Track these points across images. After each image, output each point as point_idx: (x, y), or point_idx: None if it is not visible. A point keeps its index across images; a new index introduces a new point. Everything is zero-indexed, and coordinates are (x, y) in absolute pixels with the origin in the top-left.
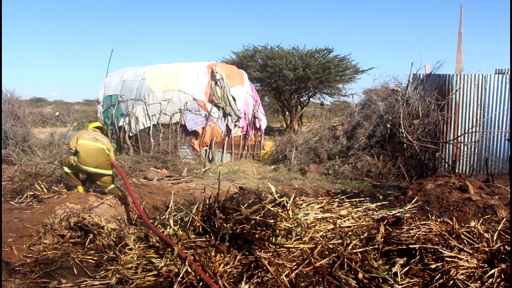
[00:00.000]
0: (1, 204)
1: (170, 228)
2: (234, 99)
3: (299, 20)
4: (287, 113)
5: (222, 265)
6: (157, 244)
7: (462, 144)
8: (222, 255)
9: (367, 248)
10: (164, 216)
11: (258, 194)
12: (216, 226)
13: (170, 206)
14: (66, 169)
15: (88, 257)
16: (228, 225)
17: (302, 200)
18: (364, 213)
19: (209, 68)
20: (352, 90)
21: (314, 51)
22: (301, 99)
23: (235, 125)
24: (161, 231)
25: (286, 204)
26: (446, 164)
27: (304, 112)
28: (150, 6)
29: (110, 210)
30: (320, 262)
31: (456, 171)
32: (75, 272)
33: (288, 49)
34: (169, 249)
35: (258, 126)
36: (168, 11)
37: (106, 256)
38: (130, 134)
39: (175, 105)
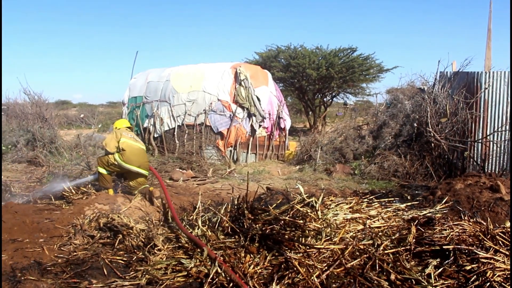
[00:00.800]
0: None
1: (198, 229)
2: (258, 99)
3: (322, 19)
4: (310, 113)
5: (252, 266)
6: (186, 245)
7: (491, 143)
8: (251, 255)
9: (399, 249)
10: (192, 216)
11: (286, 194)
12: (245, 226)
13: (197, 206)
14: (101, 170)
15: (118, 257)
16: (257, 225)
17: (331, 200)
18: (394, 214)
19: (233, 68)
20: (376, 90)
21: (337, 50)
22: (325, 99)
23: (260, 126)
24: (189, 231)
25: (315, 205)
26: (475, 164)
27: (327, 112)
28: (174, 8)
29: (138, 211)
30: (351, 263)
31: (486, 170)
32: (105, 273)
33: (311, 49)
34: (198, 250)
35: (282, 127)
36: (192, 13)
37: (135, 257)
38: (155, 135)
39: (199, 106)
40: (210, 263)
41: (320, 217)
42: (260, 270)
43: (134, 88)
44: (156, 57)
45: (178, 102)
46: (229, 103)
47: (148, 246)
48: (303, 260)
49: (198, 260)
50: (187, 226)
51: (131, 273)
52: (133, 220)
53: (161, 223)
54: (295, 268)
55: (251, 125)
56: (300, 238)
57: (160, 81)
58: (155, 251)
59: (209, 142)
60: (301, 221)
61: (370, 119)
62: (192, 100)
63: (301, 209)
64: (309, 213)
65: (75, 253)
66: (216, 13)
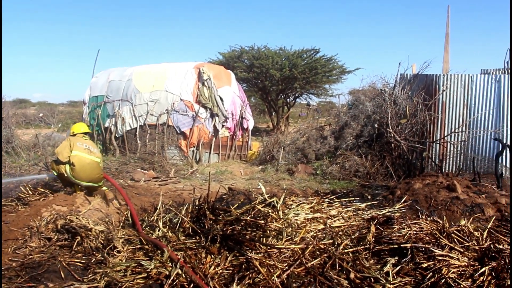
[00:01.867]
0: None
1: (159, 230)
2: (221, 99)
3: (286, 21)
4: (273, 113)
5: (213, 267)
6: (147, 246)
7: (449, 144)
8: (212, 256)
9: (358, 248)
10: (153, 217)
11: (248, 194)
12: (206, 227)
13: (158, 207)
14: (56, 173)
15: (76, 260)
16: (218, 226)
17: (292, 200)
18: (354, 213)
19: (197, 68)
20: (339, 91)
21: (300, 52)
22: (288, 99)
23: (223, 126)
24: (150, 233)
25: (276, 205)
26: (433, 164)
27: (290, 113)
28: (136, 7)
29: (98, 213)
30: (312, 263)
31: (443, 170)
32: (63, 276)
33: (275, 50)
34: (159, 251)
35: (245, 127)
36: (154, 12)
37: (94, 259)
38: (117, 135)
39: (162, 106)
40: (170, 264)
41: (281, 217)
42: (221, 271)
43: (95, 87)
44: (118, 56)
45: (140, 102)
46: (192, 103)
47: (108, 248)
48: (264, 260)
49: (158, 262)
50: (148, 227)
51: (90, 275)
52: (92, 222)
53: (121, 224)
54: (256, 268)
55: (214, 125)
56: (261, 238)
57: (122, 81)
58: (115, 253)
59: (172, 142)
60: (262, 221)
61: (332, 120)
62: (154, 100)
63: (263, 209)
64: (270, 213)
65: (30, 256)
66: (179, 13)
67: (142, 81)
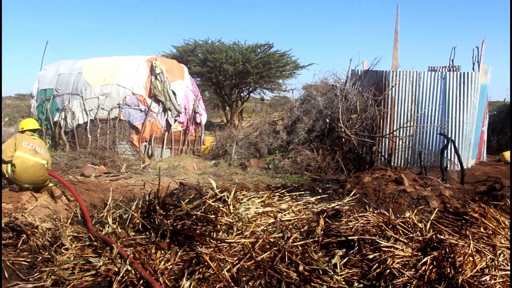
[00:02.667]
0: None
1: (109, 226)
2: (174, 93)
3: (240, 15)
4: (227, 108)
5: (162, 262)
6: (96, 243)
7: (397, 138)
8: (162, 252)
9: (307, 240)
10: (103, 214)
11: (199, 189)
12: (156, 222)
13: (108, 203)
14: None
15: (21, 259)
16: (169, 221)
17: (243, 194)
18: (304, 207)
19: (149, 62)
20: (292, 86)
21: (254, 46)
22: (242, 94)
23: (175, 120)
24: (99, 229)
25: (227, 199)
26: (383, 158)
27: (244, 107)
28: None
29: (46, 209)
30: (262, 256)
31: (392, 164)
32: (6, 276)
33: (229, 44)
34: (108, 248)
35: (198, 121)
36: (105, 3)
37: (40, 257)
38: (66, 130)
39: (113, 100)
40: (120, 260)
41: (232, 211)
42: (171, 266)
43: (44, 80)
44: (68, 48)
45: (91, 96)
46: (144, 97)
47: (55, 246)
48: (214, 254)
49: (107, 258)
50: (98, 223)
51: (36, 274)
52: (38, 219)
53: (70, 221)
54: (206, 263)
55: (167, 120)
56: (212, 233)
57: (72, 74)
58: (62, 250)
59: (123, 137)
60: (213, 216)
61: (285, 115)
62: (105, 94)
63: (213, 204)
64: (221, 208)
65: None
66: (132, 4)
67: (93, 74)
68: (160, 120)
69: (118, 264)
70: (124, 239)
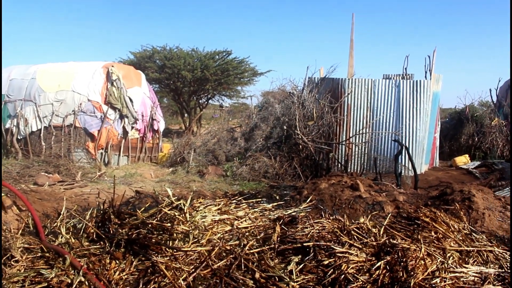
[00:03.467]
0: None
1: (62, 237)
2: (131, 100)
3: (200, 22)
4: (186, 115)
5: (117, 272)
6: (48, 254)
7: (353, 145)
8: (117, 261)
9: (264, 248)
10: (56, 223)
11: (155, 197)
12: (111, 232)
13: (62, 213)
14: None
15: None
16: (124, 230)
17: (200, 202)
18: (261, 214)
19: (105, 68)
20: (251, 92)
21: (213, 53)
22: (200, 101)
23: (132, 127)
24: (52, 240)
25: (183, 207)
26: (339, 164)
27: (203, 114)
28: (40, 1)
29: None
30: (218, 264)
31: (348, 170)
32: None
33: (187, 51)
34: (61, 259)
35: (156, 128)
36: (60, 7)
37: None
38: (19, 137)
39: (68, 106)
40: (73, 271)
41: (188, 219)
42: (126, 276)
43: None
44: (20, 53)
45: (44, 102)
46: (100, 103)
47: (4, 258)
48: (170, 263)
49: (60, 270)
50: (50, 234)
51: None
52: None
53: (21, 232)
54: (161, 272)
55: (123, 127)
56: (168, 242)
57: (24, 79)
58: (12, 262)
59: (79, 144)
60: (169, 224)
61: (243, 122)
62: (60, 100)
63: (169, 212)
64: (177, 216)
65: None
66: (89, 9)
67: (47, 80)
68: (117, 127)
69: (71, 275)
70: (77, 250)
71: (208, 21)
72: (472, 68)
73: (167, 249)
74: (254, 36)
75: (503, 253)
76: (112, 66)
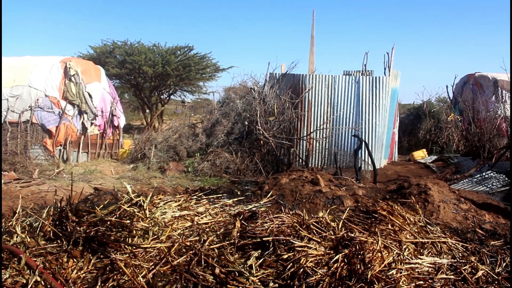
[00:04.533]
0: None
1: (17, 236)
2: (90, 96)
3: (161, 17)
4: (147, 110)
5: (75, 271)
6: (2, 255)
7: (314, 140)
8: (75, 260)
9: (224, 243)
10: (11, 222)
11: (115, 194)
12: (69, 230)
13: (17, 211)
14: None
15: None
16: (82, 228)
17: (160, 198)
18: (222, 209)
19: (63, 63)
20: (213, 88)
21: (174, 48)
22: (162, 96)
23: (92, 123)
24: (7, 240)
25: (143, 204)
26: (300, 159)
27: (165, 110)
28: None
29: None
30: (178, 260)
31: (309, 165)
32: None
33: (148, 46)
34: (16, 259)
35: (116, 124)
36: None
37: None
38: None
39: (24, 102)
40: (28, 271)
41: (148, 216)
42: (84, 275)
43: None
44: None
45: None
46: (58, 99)
47: None
48: (129, 260)
49: (14, 270)
50: (5, 234)
51: None
52: None
53: None
54: (120, 270)
55: (82, 123)
56: (127, 239)
57: None
58: None
59: (36, 141)
60: (128, 221)
61: (204, 117)
62: (15, 96)
63: (129, 209)
64: (136, 213)
65: None
66: (47, 1)
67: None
68: (76, 123)
69: (26, 275)
70: (33, 249)
71: (170, 16)
72: (430, 65)
73: (126, 246)
74: (216, 33)
75: (456, 244)
76: (70, 61)
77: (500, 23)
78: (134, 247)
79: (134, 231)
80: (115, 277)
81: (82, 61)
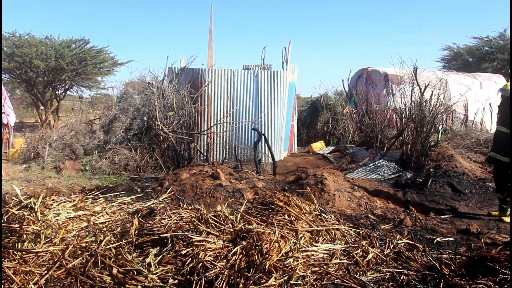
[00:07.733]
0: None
1: None
2: None
3: (55, 8)
4: (42, 107)
5: None
6: None
7: (214, 134)
8: None
9: (121, 242)
10: None
11: (3, 198)
12: None
13: None
14: None
15: None
16: None
17: (53, 199)
18: (119, 208)
19: None
20: (112, 83)
21: (69, 41)
22: (57, 92)
23: None
24: None
25: (34, 206)
26: (201, 154)
27: (62, 106)
28: None
29: None
30: (73, 263)
31: (210, 159)
32: None
33: (40, 38)
34: None
35: (6, 122)
36: None
37: None
38: None
39: None
40: None
41: (39, 218)
42: None
43: None
44: None
45: None
46: None
47: None
48: (19, 267)
49: None
50: None
51: None
52: None
53: None
54: (9, 278)
55: None
56: (16, 244)
57: None
58: None
59: None
60: (17, 225)
61: (102, 113)
62: None
63: (18, 212)
64: (26, 216)
65: None
66: None
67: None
68: None
69: None
70: None
71: (65, 7)
72: (326, 60)
73: (15, 252)
74: (113, 26)
75: (349, 230)
76: None
77: (391, 20)
78: (25, 253)
79: (24, 236)
80: (3, 286)
81: None
